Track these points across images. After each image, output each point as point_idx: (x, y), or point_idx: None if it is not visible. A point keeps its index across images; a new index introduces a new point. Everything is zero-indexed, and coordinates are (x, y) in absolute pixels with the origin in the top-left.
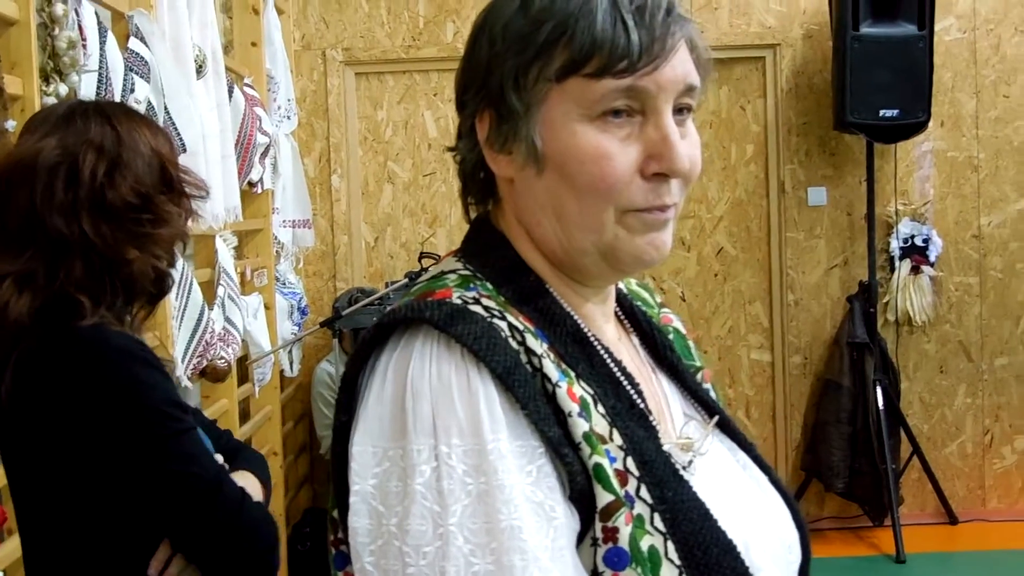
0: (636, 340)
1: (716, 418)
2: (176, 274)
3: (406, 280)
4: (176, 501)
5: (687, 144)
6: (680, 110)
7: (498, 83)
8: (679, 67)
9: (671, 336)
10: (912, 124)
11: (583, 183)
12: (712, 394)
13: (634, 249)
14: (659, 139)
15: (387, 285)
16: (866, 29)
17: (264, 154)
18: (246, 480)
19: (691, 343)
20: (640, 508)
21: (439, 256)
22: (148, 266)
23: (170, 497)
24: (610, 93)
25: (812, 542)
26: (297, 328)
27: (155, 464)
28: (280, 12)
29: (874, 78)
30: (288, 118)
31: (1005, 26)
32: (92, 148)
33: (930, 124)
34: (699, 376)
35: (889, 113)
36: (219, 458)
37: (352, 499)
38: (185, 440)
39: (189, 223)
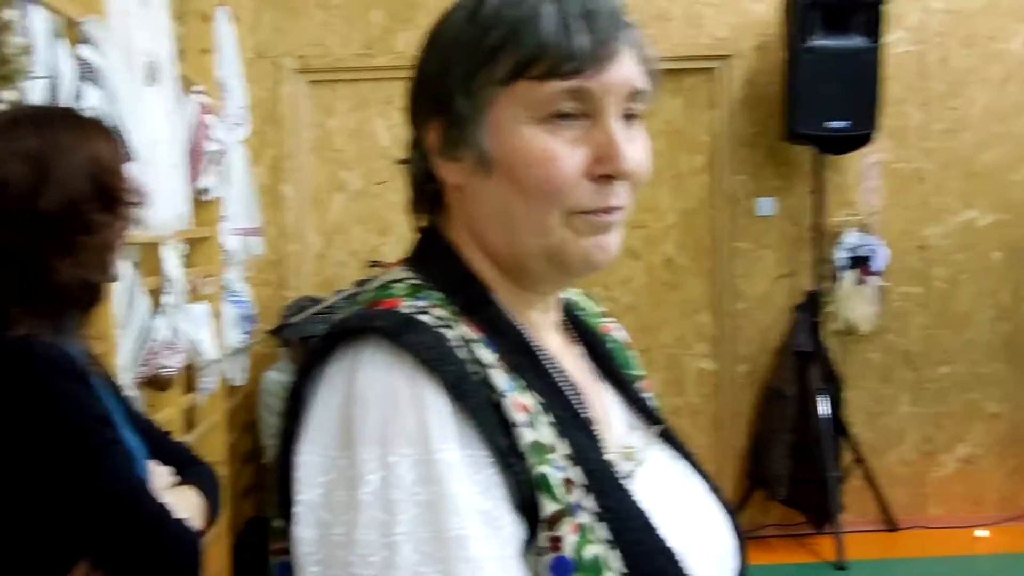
0: (580, 349)
1: (657, 427)
2: (115, 283)
3: (355, 289)
4: (92, 516)
5: (635, 148)
6: (629, 116)
7: (447, 90)
8: (625, 70)
9: (613, 345)
10: (860, 136)
11: (530, 184)
12: (653, 403)
13: (581, 251)
14: (605, 141)
15: (336, 294)
16: (816, 41)
17: (214, 162)
18: (183, 497)
19: (632, 352)
20: (585, 517)
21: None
22: (76, 276)
23: (86, 512)
24: (557, 95)
25: (756, 550)
26: (244, 337)
27: (72, 478)
28: (233, 20)
29: (824, 90)
30: (239, 126)
31: (953, 40)
32: (19, 157)
33: (878, 136)
34: (640, 385)
35: (838, 125)
36: (164, 469)
37: (297, 509)
38: (105, 454)
39: (128, 232)
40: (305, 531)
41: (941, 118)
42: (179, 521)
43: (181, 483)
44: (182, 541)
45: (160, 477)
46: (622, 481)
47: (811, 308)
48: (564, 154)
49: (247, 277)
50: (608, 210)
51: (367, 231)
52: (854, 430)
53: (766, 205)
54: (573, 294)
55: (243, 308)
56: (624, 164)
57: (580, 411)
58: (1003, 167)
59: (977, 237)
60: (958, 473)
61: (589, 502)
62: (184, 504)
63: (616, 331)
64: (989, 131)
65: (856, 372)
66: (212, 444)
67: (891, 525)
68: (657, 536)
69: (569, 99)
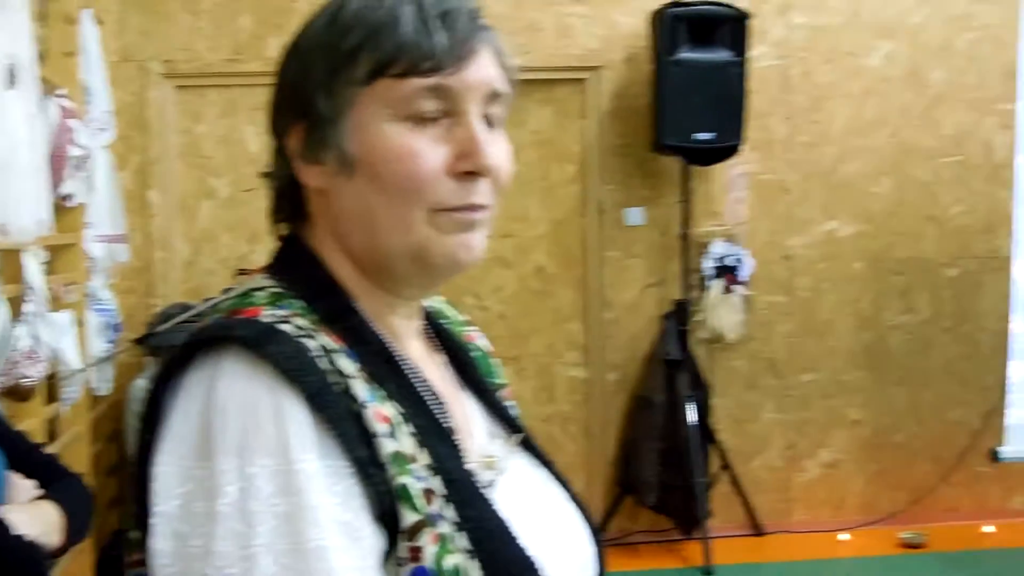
0: (443, 358)
1: (518, 435)
2: None
3: (222, 297)
4: None
5: (497, 149)
6: (490, 120)
7: (308, 93)
8: (484, 70)
9: (475, 354)
10: (726, 147)
11: (392, 182)
12: (515, 412)
13: (445, 249)
14: (467, 138)
15: (205, 302)
16: (683, 54)
17: (78, 167)
18: (39, 512)
19: (495, 361)
20: (445, 527)
21: None
22: None
23: None
24: (417, 92)
25: (625, 556)
26: (109, 345)
27: None
28: (99, 22)
29: (691, 102)
30: (104, 130)
31: (815, 55)
32: None
33: (743, 148)
34: (502, 394)
35: (704, 136)
36: (26, 483)
37: (154, 520)
38: None
39: None
40: (162, 543)
41: (804, 131)
42: (18, 537)
43: (44, 497)
44: (19, 558)
45: (20, 490)
46: (483, 490)
47: (679, 317)
48: (426, 151)
49: (112, 285)
50: (472, 207)
51: (236, 238)
52: (721, 437)
53: (635, 215)
54: (436, 302)
55: (108, 316)
56: (486, 160)
57: (441, 420)
58: (864, 179)
59: (839, 247)
60: (821, 478)
61: (449, 512)
62: (39, 519)
63: (479, 339)
64: (850, 144)
65: (723, 379)
66: (75, 455)
67: (757, 530)
68: (517, 545)
69: (430, 97)
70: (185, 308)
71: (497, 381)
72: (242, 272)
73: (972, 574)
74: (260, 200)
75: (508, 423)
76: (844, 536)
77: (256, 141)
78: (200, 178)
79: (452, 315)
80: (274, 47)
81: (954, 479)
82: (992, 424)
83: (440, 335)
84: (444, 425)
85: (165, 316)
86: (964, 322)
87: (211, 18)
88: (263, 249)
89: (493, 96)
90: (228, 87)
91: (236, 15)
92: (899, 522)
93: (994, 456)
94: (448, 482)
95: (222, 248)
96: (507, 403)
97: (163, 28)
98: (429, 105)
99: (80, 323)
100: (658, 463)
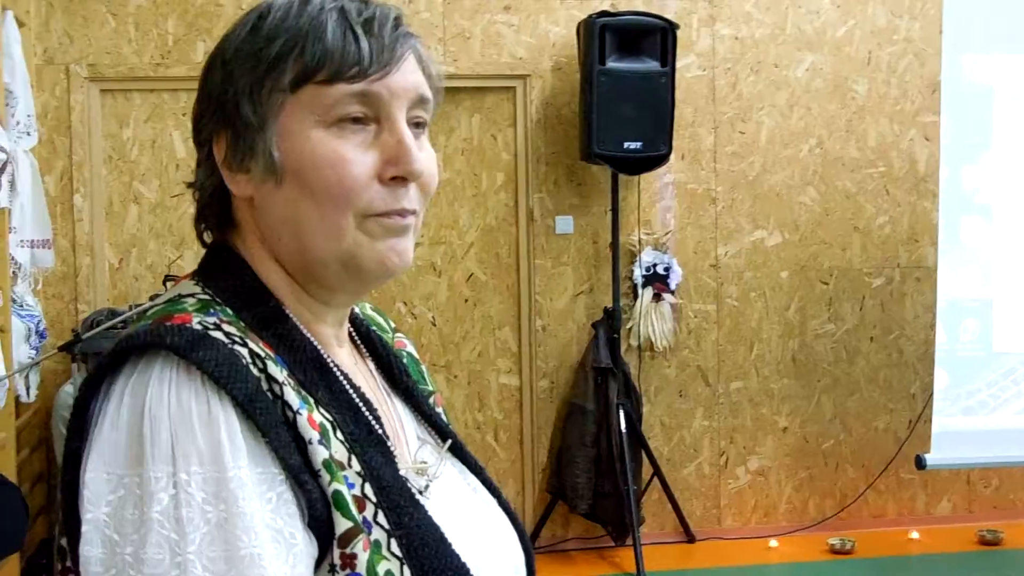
0: (372, 365)
1: (449, 442)
2: None
3: (149, 304)
4: None
5: (424, 154)
6: (416, 125)
7: (233, 101)
8: (410, 76)
9: (405, 360)
10: (655, 157)
11: (321, 188)
12: (444, 418)
13: (375, 255)
14: (394, 143)
15: (131, 308)
16: (612, 64)
17: (0, 171)
18: None
19: (423, 368)
20: (377, 534)
21: None
22: None
23: None
24: (343, 98)
25: (557, 563)
26: (35, 352)
27: None
28: (21, 24)
29: (619, 111)
30: (28, 134)
31: (742, 66)
32: None
33: (672, 157)
34: (432, 400)
35: (633, 145)
36: None
37: (84, 528)
38: None
39: None
40: (92, 550)
41: (731, 141)
42: None
43: None
44: None
45: None
46: (415, 497)
47: (609, 324)
48: (354, 157)
49: (37, 291)
50: (401, 212)
51: (163, 244)
52: (652, 444)
53: (565, 223)
54: (365, 309)
55: (33, 322)
56: (414, 165)
57: (373, 427)
58: (790, 189)
59: (766, 256)
60: (750, 485)
61: (382, 518)
62: None
63: (408, 346)
64: (776, 155)
65: (653, 387)
66: (1, 463)
67: (688, 537)
68: (449, 552)
69: (356, 103)
70: (112, 314)
71: (426, 388)
72: (169, 278)
73: None
74: (187, 205)
75: (438, 429)
76: (773, 542)
77: (183, 146)
78: (126, 183)
79: (380, 322)
80: (201, 51)
81: (881, 486)
82: (918, 431)
83: (369, 342)
84: (375, 432)
85: (92, 322)
86: (889, 331)
87: (137, 22)
88: (191, 255)
89: (419, 102)
90: (154, 91)
91: (162, 19)
92: (827, 528)
93: (920, 463)
94: (380, 489)
95: (149, 254)
96: (437, 409)
97: (88, 31)
98: (355, 111)
99: (3, 329)
100: (590, 470)
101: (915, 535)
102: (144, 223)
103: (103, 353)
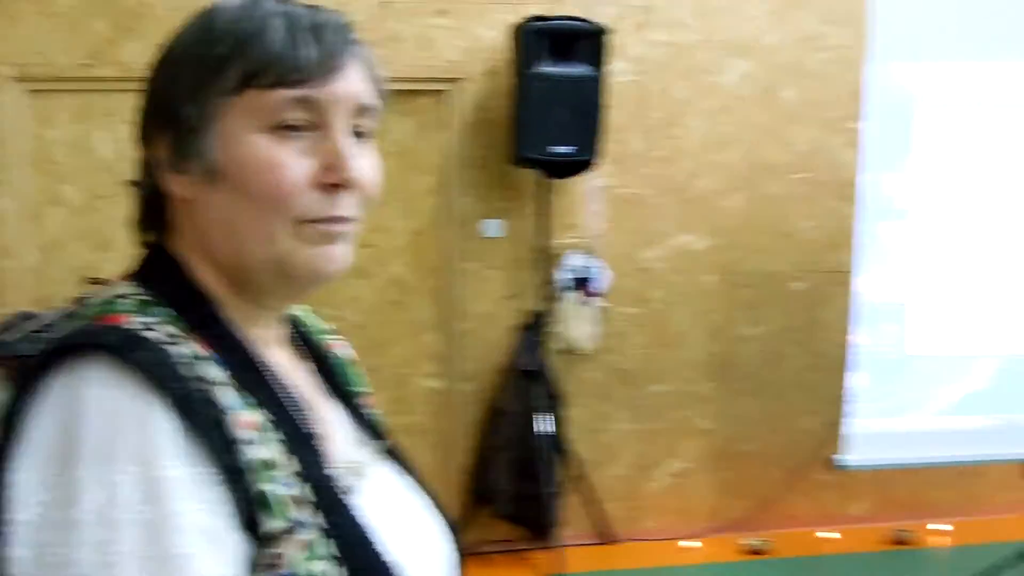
0: (309, 366)
1: (382, 443)
2: None
3: (75, 306)
4: None
5: (364, 161)
6: (359, 134)
7: (176, 102)
8: (352, 83)
9: (339, 362)
10: (584, 161)
11: (257, 192)
12: (377, 419)
13: (308, 261)
14: (332, 150)
15: (55, 310)
16: (543, 68)
17: None
18: None
19: (358, 369)
20: (310, 534)
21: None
22: None
23: None
24: (284, 103)
25: (479, 566)
26: None
27: None
28: None
29: (549, 116)
30: None
31: (672, 72)
32: None
33: (601, 161)
34: (365, 401)
35: (563, 150)
36: None
37: (13, 528)
38: None
39: None
40: (21, 551)
41: (660, 146)
42: None
43: None
44: None
45: None
46: (346, 497)
47: (534, 328)
48: (291, 162)
49: None
50: (335, 219)
51: (86, 247)
52: (575, 446)
53: (493, 227)
54: (301, 311)
55: None
56: (350, 173)
57: (305, 428)
58: (716, 194)
59: (692, 261)
60: (671, 487)
61: (315, 518)
62: None
63: (341, 348)
64: (705, 160)
65: (577, 390)
66: None
67: (609, 538)
68: (381, 551)
69: (297, 109)
70: (29, 317)
71: (360, 389)
72: (94, 281)
73: None
74: (112, 208)
75: (373, 431)
76: (692, 543)
77: (109, 148)
78: (50, 185)
79: (314, 324)
80: (129, 52)
81: (797, 487)
82: (834, 433)
83: (307, 343)
84: (308, 432)
85: (6, 325)
86: (812, 334)
87: (64, 21)
88: (114, 257)
89: (362, 110)
90: (81, 92)
91: (90, 19)
92: (746, 529)
93: (834, 464)
94: (313, 489)
95: (72, 256)
96: (371, 411)
97: (13, 30)
98: (296, 116)
99: None
100: (512, 473)
101: (831, 535)
102: (67, 225)
103: (24, 356)
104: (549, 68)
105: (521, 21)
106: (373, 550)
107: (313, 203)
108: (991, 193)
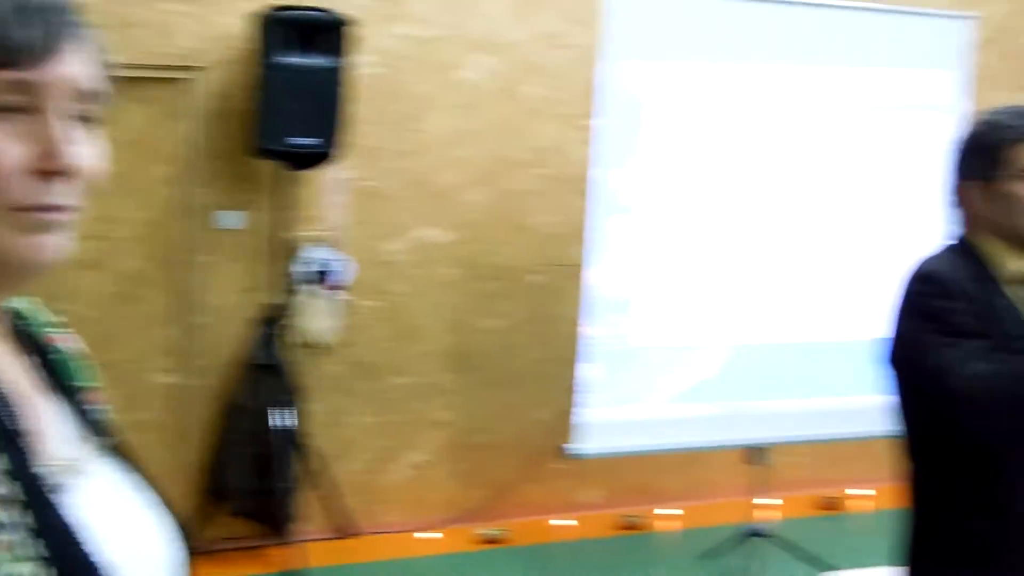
0: (28, 360)
1: (105, 440)
2: None
3: None
4: None
5: (87, 149)
6: (85, 119)
7: None
8: (72, 67)
9: (62, 357)
10: (325, 153)
11: None
12: (103, 416)
13: (17, 250)
14: (47, 136)
15: None
16: (283, 58)
17: None
18: None
19: (84, 364)
20: (15, 534)
21: None
22: None
23: None
24: None
25: (216, 564)
26: None
27: None
28: None
29: (291, 106)
30: None
31: (416, 66)
32: None
33: (344, 154)
34: (89, 397)
35: (303, 141)
36: None
37: None
38: None
39: None
40: None
41: (403, 140)
42: None
43: None
44: None
45: None
46: (57, 496)
47: (273, 322)
48: (3, 148)
49: None
50: (50, 207)
51: None
52: (316, 441)
53: (232, 218)
54: (24, 304)
55: None
56: (64, 160)
57: (10, 423)
58: (458, 188)
59: (433, 254)
60: (411, 479)
61: (21, 518)
62: None
63: (64, 341)
64: (447, 154)
65: (317, 384)
66: None
67: (348, 532)
68: (88, 551)
69: (10, 92)
70: None
71: (83, 384)
72: None
73: (544, 565)
74: None
75: (96, 427)
76: (430, 535)
77: None
78: None
79: (34, 317)
80: None
81: (532, 476)
82: (567, 423)
83: (25, 336)
84: (17, 428)
85: None
86: (548, 327)
87: None
88: None
89: (84, 95)
90: None
91: None
92: (482, 519)
93: (566, 453)
94: (21, 488)
95: None
96: (94, 407)
97: None
98: (9, 99)
99: None
100: (248, 469)
101: (565, 522)
102: None
103: None
104: (291, 59)
105: (263, 10)
106: (82, 550)
107: (23, 190)
108: (714, 190)
